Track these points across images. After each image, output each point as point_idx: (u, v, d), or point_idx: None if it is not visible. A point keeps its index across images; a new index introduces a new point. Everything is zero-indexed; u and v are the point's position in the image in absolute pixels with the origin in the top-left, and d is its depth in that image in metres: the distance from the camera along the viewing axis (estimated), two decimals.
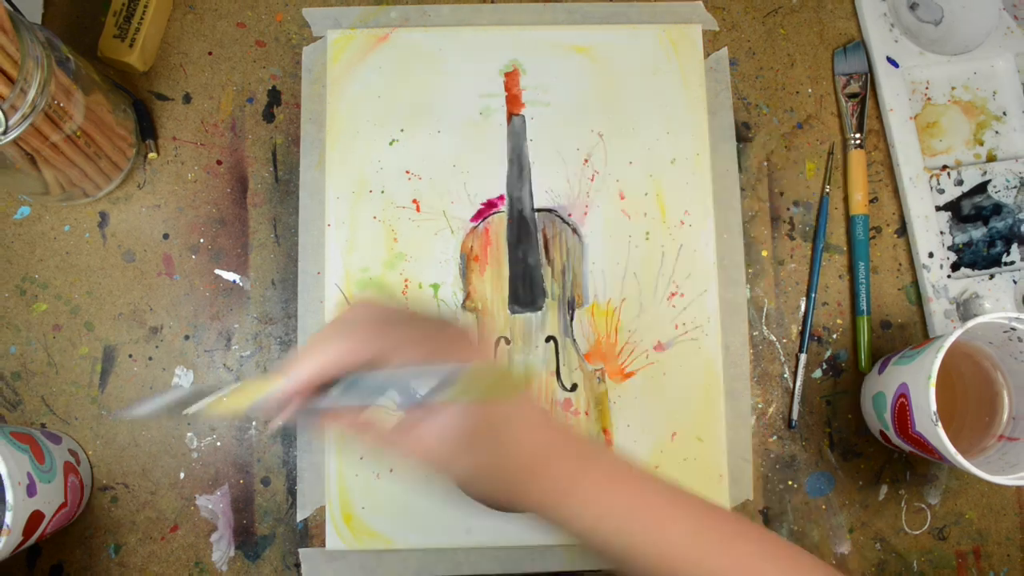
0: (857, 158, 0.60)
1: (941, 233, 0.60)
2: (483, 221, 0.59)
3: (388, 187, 0.59)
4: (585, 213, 0.59)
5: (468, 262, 0.58)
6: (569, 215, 0.59)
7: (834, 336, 0.59)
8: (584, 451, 0.38)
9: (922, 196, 0.60)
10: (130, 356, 0.57)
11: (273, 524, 0.56)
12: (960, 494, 0.58)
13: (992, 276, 0.59)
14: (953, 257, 0.59)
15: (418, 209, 0.59)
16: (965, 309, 0.59)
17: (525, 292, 0.58)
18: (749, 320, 0.59)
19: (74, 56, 0.51)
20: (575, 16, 0.62)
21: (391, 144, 0.59)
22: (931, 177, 0.60)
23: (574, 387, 0.57)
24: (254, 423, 0.57)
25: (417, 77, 0.60)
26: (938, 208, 0.60)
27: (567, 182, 0.59)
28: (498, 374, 0.38)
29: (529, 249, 0.58)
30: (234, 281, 0.59)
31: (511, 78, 0.60)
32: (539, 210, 0.59)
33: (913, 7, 0.63)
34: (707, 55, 0.62)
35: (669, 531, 0.36)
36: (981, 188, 0.60)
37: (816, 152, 0.62)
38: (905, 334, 0.60)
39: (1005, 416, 0.54)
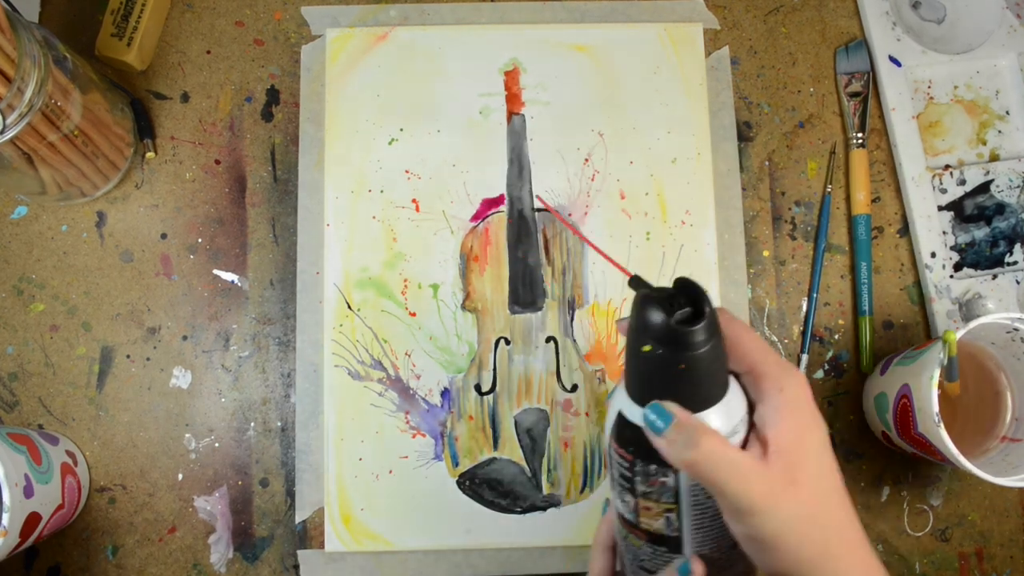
0: (859, 157, 0.60)
1: (943, 233, 0.59)
2: (483, 221, 0.58)
3: (387, 187, 0.59)
4: (586, 213, 0.59)
5: (468, 262, 0.58)
6: (569, 215, 0.59)
7: (836, 336, 0.59)
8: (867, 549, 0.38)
9: (924, 196, 0.59)
10: (128, 357, 0.57)
11: (272, 526, 0.56)
12: (963, 495, 0.58)
13: (995, 276, 0.59)
14: (956, 257, 0.59)
15: (417, 209, 0.58)
16: (968, 309, 0.58)
17: (525, 292, 0.58)
18: (750, 320, 0.59)
19: (71, 55, 0.51)
20: (575, 15, 0.62)
21: (390, 143, 0.59)
22: (933, 177, 0.60)
23: (575, 388, 0.57)
24: (252, 424, 0.57)
25: (416, 76, 0.60)
26: (940, 208, 0.60)
27: (567, 182, 0.59)
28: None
29: (529, 249, 0.58)
30: (232, 281, 0.58)
31: (511, 77, 0.60)
32: (539, 210, 0.59)
33: (915, 6, 0.63)
34: (708, 54, 0.61)
35: None
36: (984, 188, 0.59)
37: (818, 151, 0.61)
38: (907, 334, 0.59)
39: (1008, 417, 0.53)
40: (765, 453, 0.35)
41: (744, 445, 0.35)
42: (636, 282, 0.33)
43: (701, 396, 0.33)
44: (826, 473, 0.37)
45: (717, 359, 0.33)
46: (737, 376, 0.36)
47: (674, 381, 0.32)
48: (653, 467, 0.35)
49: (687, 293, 0.32)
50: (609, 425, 0.36)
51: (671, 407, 0.33)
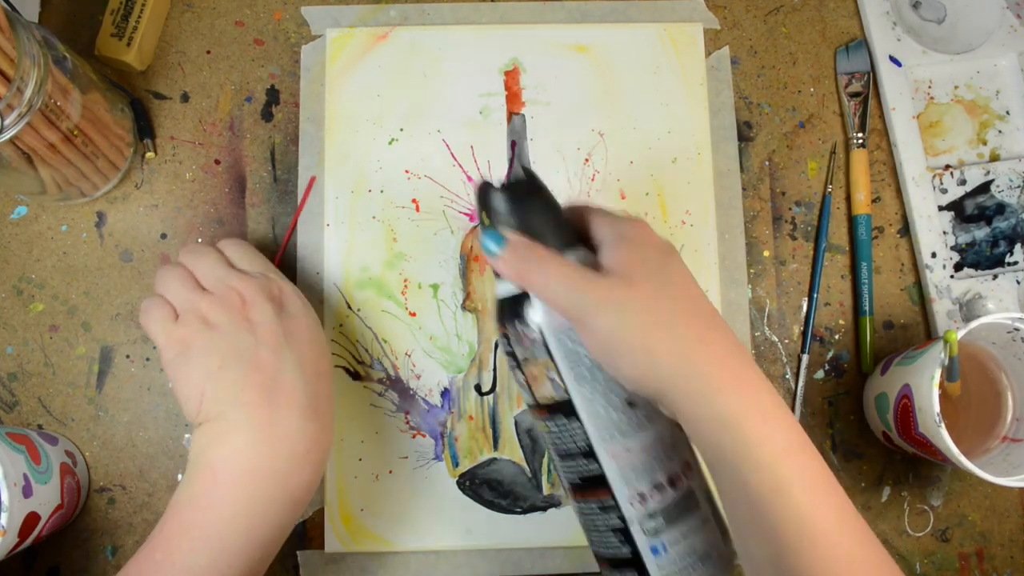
0: (859, 157, 0.60)
1: (944, 233, 0.59)
2: None
3: (387, 187, 0.59)
4: None
5: (468, 262, 0.58)
6: None
7: (836, 337, 0.59)
8: (753, 369, 0.37)
9: (925, 196, 0.59)
10: (127, 357, 0.57)
11: None
12: (963, 496, 0.58)
13: (995, 276, 0.59)
14: (956, 257, 0.59)
15: (417, 209, 0.58)
16: (968, 310, 0.58)
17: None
18: (751, 320, 0.59)
19: (71, 55, 0.50)
20: (575, 15, 0.62)
21: (390, 143, 0.59)
22: (934, 177, 0.60)
23: None
24: None
25: (416, 76, 0.60)
26: (941, 208, 0.60)
27: (568, 182, 0.59)
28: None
29: None
30: None
31: (511, 76, 0.60)
32: None
33: (916, 5, 0.63)
34: (708, 54, 0.61)
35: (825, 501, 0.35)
36: (984, 188, 0.59)
37: (818, 151, 0.61)
38: (908, 335, 0.59)
39: (1009, 417, 0.53)
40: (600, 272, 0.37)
41: None
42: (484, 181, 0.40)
43: None
44: (671, 282, 0.37)
45: (547, 217, 0.39)
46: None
47: None
48: (517, 324, 0.39)
49: (519, 176, 0.40)
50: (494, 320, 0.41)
51: (505, 231, 0.38)
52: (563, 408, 0.39)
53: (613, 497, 0.39)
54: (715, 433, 0.35)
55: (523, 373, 0.40)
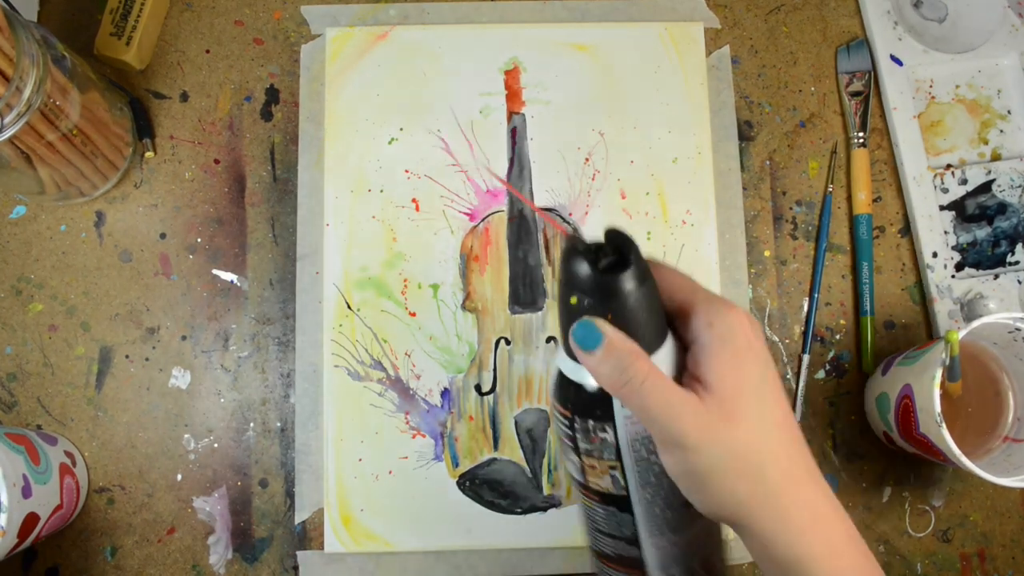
0: (860, 157, 0.60)
1: (945, 233, 0.59)
2: (483, 221, 0.58)
3: (387, 186, 0.58)
4: (586, 212, 0.59)
5: (468, 262, 0.58)
6: (570, 214, 0.59)
7: (837, 337, 0.59)
8: (831, 505, 0.37)
9: (926, 195, 0.59)
10: (127, 357, 0.57)
11: (271, 526, 0.56)
12: (964, 496, 0.57)
13: (997, 276, 0.59)
14: (957, 257, 0.59)
15: (417, 208, 0.58)
16: (969, 309, 0.58)
17: (525, 292, 0.58)
18: None
19: (70, 54, 0.50)
20: (575, 14, 0.61)
21: (390, 143, 0.59)
22: (935, 176, 0.60)
23: None
24: (251, 424, 0.57)
25: (416, 75, 0.60)
26: (942, 208, 0.59)
27: (568, 181, 0.59)
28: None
29: (529, 249, 0.58)
30: (232, 281, 0.58)
31: (511, 76, 0.60)
32: (541, 209, 0.59)
33: (917, 5, 0.63)
34: (709, 53, 0.61)
35: None
36: (985, 187, 0.59)
37: (819, 151, 0.61)
38: (909, 335, 0.59)
39: (1010, 417, 0.53)
40: (699, 391, 0.34)
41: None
42: (571, 239, 0.32)
43: None
44: (767, 409, 0.35)
45: (648, 308, 0.32)
46: (675, 328, 0.35)
47: None
48: (591, 422, 0.34)
49: (615, 243, 0.32)
50: (551, 386, 0.35)
51: (602, 325, 0.32)
52: (618, 502, 0.36)
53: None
54: (787, 570, 0.36)
55: (580, 460, 0.36)
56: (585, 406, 0.34)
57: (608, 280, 0.31)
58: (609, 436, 0.34)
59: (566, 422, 0.35)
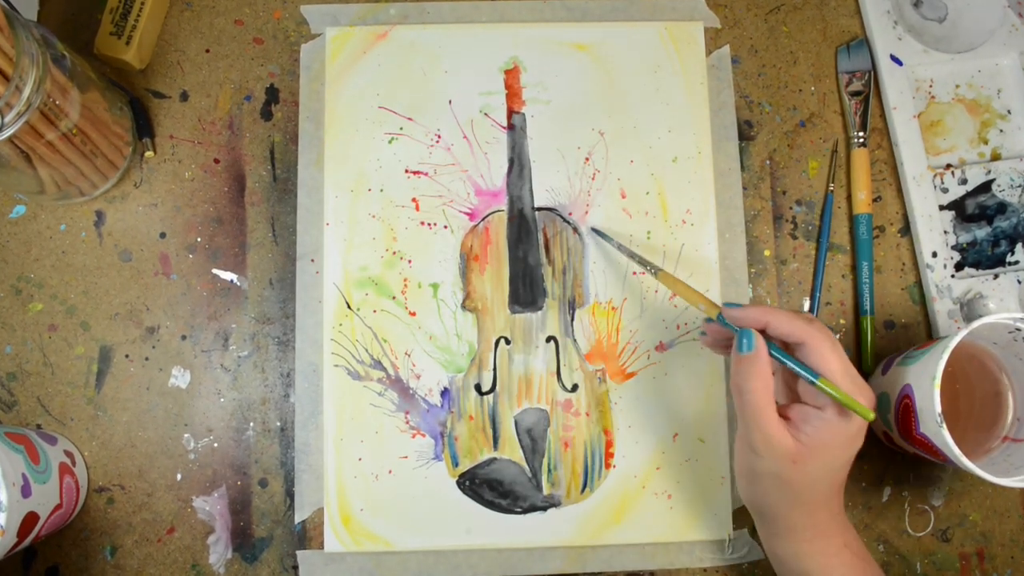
0: (860, 157, 0.60)
1: (945, 232, 0.59)
2: (483, 220, 0.58)
3: (387, 185, 0.58)
4: (586, 212, 0.59)
5: (468, 261, 0.58)
6: (570, 214, 0.59)
7: (837, 336, 0.59)
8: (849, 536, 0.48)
9: (926, 195, 0.59)
10: (127, 356, 0.57)
11: (271, 526, 0.56)
12: (964, 496, 0.57)
13: (996, 276, 0.59)
14: (957, 257, 0.59)
15: (417, 208, 0.58)
16: (969, 309, 0.58)
17: (525, 292, 0.58)
18: None
19: (70, 53, 0.50)
20: (575, 13, 0.61)
21: (390, 142, 0.59)
22: (935, 176, 0.60)
23: (575, 387, 0.57)
24: (251, 424, 0.57)
25: (416, 75, 0.60)
26: (942, 207, 0.59)
27: (568, 181, 0.59)
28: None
29: (529, 248, 0.58)
30: (232, 281, 0.58)
31: (511, 75, 0.60)
32: (539, 209, 0.59)
33: (917, 4, 0.63)
34: (709, 52, 0.61)
35: None
36: (985, 187, 0.59)
37: (819, 151, 0.61)
38: (909, 334, 0.59)
39: (1010, 417, 0.53)
40: (792, 431, 0.44)
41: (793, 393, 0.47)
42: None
43: None
44: (828, 475, 0.45)
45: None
46: None
47: None
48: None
49: None
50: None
51: (758, 340, 0.44)
52: None
53: None
54: (787, 562, 0.49)
55: None
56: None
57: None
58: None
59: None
